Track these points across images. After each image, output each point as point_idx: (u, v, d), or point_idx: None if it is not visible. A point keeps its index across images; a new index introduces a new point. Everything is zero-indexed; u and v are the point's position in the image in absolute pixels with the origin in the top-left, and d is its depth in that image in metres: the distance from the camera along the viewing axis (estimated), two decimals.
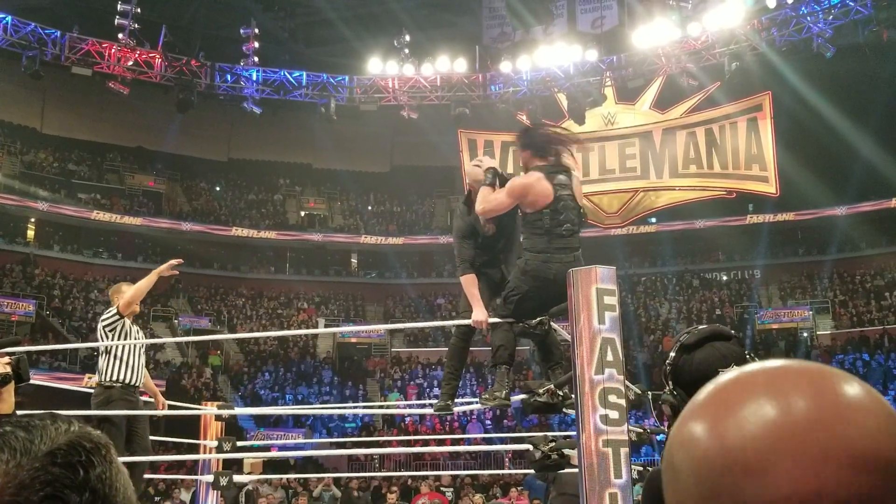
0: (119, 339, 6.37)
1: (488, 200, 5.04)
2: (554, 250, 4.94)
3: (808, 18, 19.89)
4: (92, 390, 6.51)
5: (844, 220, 27.98)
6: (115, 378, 6.27)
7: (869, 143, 24.75)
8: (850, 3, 19.22)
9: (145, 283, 6.49)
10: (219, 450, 7.37)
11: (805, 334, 26.28)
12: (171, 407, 7.84)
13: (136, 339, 6.53)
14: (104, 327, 6.44)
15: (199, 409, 8.80)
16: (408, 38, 23.21)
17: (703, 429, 0.60)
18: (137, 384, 6.44)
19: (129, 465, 5.87)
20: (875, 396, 0.59)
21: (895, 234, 28.46)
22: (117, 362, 6.30)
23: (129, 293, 6.40)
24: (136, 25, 21.57)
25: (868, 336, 25.34)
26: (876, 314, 26.49)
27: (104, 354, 6.38)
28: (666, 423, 1.94)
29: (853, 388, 0.59)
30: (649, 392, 6.03)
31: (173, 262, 6.57)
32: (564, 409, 5.16)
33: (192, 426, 9.44)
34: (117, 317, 6.40)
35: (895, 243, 28.50)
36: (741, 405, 0.59)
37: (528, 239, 5.07)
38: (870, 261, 28.55)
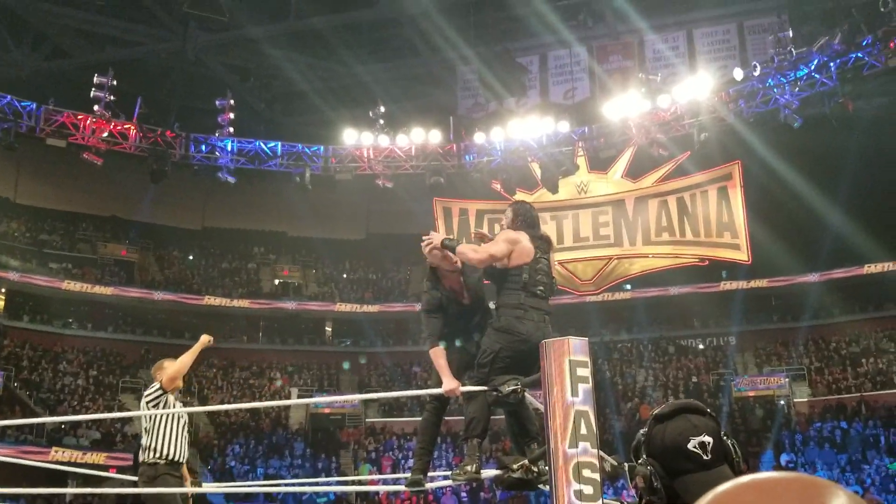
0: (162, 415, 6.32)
1: (483, 249, 5.08)
2: (528, 307, 5.00)
3: (775, 90, 20.30)
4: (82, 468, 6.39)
5: (818, 286, 28.16)
6: (160, 455, 6.23)
7: (838, 213, 25.09)
8: (816, 76, 19.64)
9: (188, 358, 6.48)
10: None
11: (782, 402, 26.19)
12: (137, 484, 7.59)
13: (178, 414, 6.45)
14: (148, 403, 6.40)
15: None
16: (382, 109, 23.42)
17: None
18: (181, 460, 6.36)
19: None
20: None
21: (868, 300, 28.71)
22: (162, 439, 6.25)
23: (172, 368, 6.38)
24: (112, 97, 21.63)
25: (845, 404, 25.28)
26: (852, 381, 26.51)
27: (148, 432, 6.32)
28: (637, 495, 1.90)
29: (840, 501, 0.56)
30: (625, 464, 5.92)
31: (209, 337, 6.69)
32: (539, 486, 5.05)
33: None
34: (160, 391, 6.38)
35: (868, 310, 28.73)
36: None
37: (503, 296, 5.10)
38: (844, 327, 28.69)
